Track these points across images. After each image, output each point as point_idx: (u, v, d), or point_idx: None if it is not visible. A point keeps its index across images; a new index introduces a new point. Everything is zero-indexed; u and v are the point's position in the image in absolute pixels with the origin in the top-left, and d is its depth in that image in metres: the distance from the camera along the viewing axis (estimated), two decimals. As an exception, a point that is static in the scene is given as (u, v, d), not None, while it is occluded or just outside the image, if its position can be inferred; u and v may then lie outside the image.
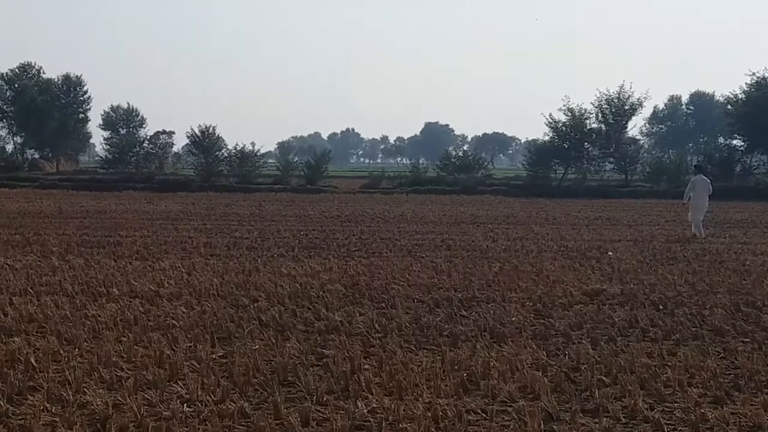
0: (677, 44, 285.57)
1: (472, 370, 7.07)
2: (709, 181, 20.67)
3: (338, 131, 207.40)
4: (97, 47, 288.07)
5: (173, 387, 6.54)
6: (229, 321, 9.02)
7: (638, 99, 47.59)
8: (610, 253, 15.93)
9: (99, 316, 9.16)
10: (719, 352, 8.01)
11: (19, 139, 64.74)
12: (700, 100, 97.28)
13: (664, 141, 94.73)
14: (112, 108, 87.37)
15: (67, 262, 13.66)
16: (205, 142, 48.60)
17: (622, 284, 11.99)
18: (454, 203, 33.38)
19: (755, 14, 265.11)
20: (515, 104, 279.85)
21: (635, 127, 64.87)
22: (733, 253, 16.29)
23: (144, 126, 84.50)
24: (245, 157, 47.94)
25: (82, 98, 68.25)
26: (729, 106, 48.99)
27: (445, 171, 48.95)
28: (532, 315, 9.73)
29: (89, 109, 69.67)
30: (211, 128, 49.19)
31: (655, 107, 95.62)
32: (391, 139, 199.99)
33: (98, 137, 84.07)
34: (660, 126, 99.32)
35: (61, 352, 7.57)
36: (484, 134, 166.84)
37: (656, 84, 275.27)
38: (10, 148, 62.65)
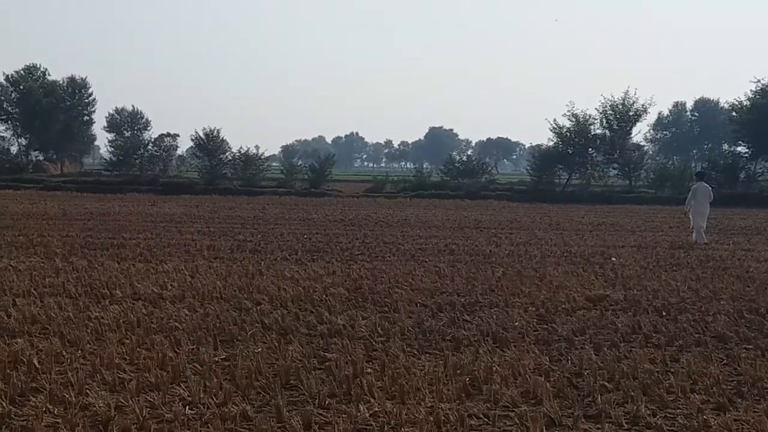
0: (682, 51, 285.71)
1: (474, 375, 7.06)
2: (710, 188, 20.65)
3: (342, 135, 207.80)
4: (102, 50, 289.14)
5: (175, 389, 6.54)
6: (232, 324, 9.02)
7: (643, 105, 47.72)
8: (614, 258, 15.92)
9: (102, 318, 9.16)
10: (722, 358, 8.00)
11: (23, 141, 64.91)
12: (704, 106, 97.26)
13: (668, 147, 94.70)
14: (116, 110, 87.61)
15: (70, 263, 13.68)
16: (209, 145, 48.67)
17: (626, 290, 11.97)
18: (458, 208, 33.37)
19: (760, 21, 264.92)
20: (519, 109, 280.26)
21: (639, 133, 65.07)
22: (736, 259, 16.26)
23: (148, 128, 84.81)
24: (249, 161, 47.96)
25: (86, 100, 68.52)
26: (733, 113, 48.99)
27: (449, 176, 48.98)
28: (535, 320, 9.71)
29: (94, 111, 70.06)
30: (215, 131, 49.35)
31: (659, 113, 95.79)
32: (395, 144, 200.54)
33: (103, 139, 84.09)
34: (664, 132, 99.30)
35: (64, 353, 7.58)
36: (488, 139, 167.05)
37: (661, 90, 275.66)
38: (14, 149, 62.82)
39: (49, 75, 65.82)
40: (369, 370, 7.23)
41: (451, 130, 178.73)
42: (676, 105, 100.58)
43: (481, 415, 6.14)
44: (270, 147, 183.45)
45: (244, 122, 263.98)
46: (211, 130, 49.15)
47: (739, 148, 48.61)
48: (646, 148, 65.18)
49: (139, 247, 16.19)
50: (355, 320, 9.36)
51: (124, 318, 9.21)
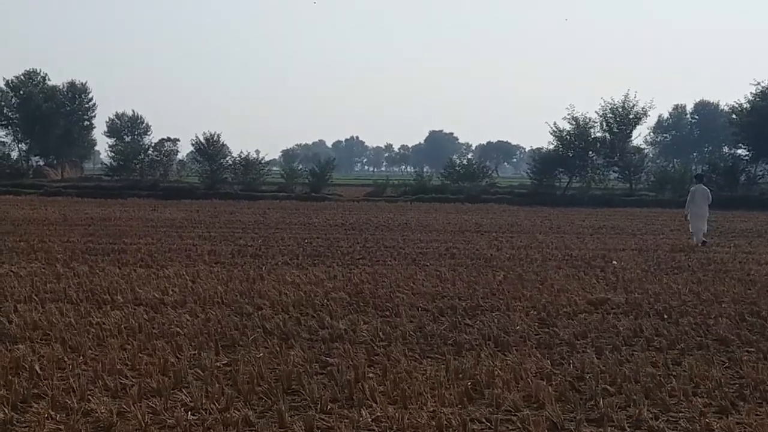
0: (682, 54, 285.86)
1: (476, 379, 7.06)
2: (708, 190, 20.68)
3: (343, 139, 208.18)
4: (102, 55, 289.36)
5: (177, 395, 6.54)
6: (234, 329, 9.02)
7: (643, 108, 47.72)
8: (615, 262, 15.91)
9: (103, 323, 9.16)
10: (724, 361, 7.99)
11: (24, 146, 64.92)
12: (704, 109, 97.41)
13: (668, 150, 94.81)
14: (117, 115, 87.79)
15: (71, 269, 13.68)
16: (209, 149, 48.70)
17: (627, 293, 11.97)
18: (459, 212, 33.38)
19: (760, 23, 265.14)
20: (520, 113, 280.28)
21: (640, 136, 65.35)
22: (737, 262, 16.26)
23: (149, 133, 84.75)
24: (250, 165, 48.00)
25: (87, 105, 68.61)
26: (734, 116, 48.98)
27: (450, 179, 48.99)
28: (537, 324, 9.71)
29: (94, 116, 70.14)
30: (215, 136, 49.39)
31: (659, 116, 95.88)
32: (396, 147, 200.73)
33: (103, 144, 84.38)
34: (664, 135, 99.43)
35: (66, 359, 7.58)
36: (489, 143, 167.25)
37: (661, 93, 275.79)
38: (15, 155, 62.74)
39: (49, 80, 65.99)
40: (371, 375, 7.22)
41: (452, 133, 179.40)
42: (676, 108, 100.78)
43: (483, 420, 6.14)
44: (270, 151, 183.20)
45: (245, 127, 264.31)
46: (211, 135, 49.24)
47: (739, 151, 48.60)
48: (646, 151, 65.23)
49: (140, 253, 16.20)
50: (356, 325, 9.36)
51: (126, 323, 9.21)
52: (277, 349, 8.09)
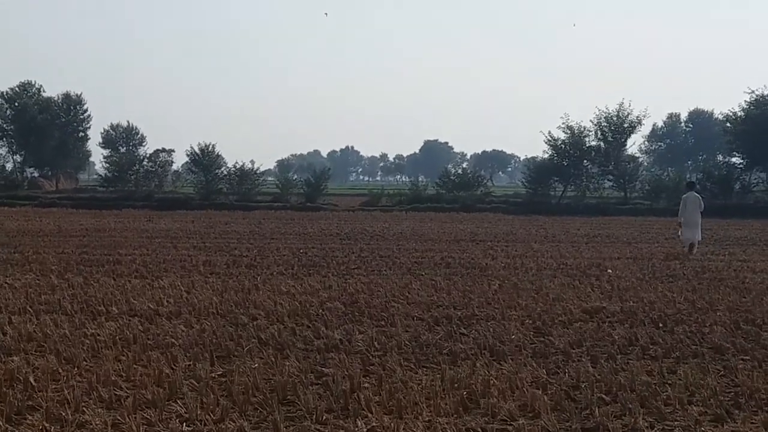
0: (676, 62, 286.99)
1: (471, 389, 7.06)
2: (700, 198, 20.73)
3: (337, 149, 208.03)
4: (97, 66, 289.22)
5: (172, 406, 6.53)
6: (229, 339, 9.00)
7: (637, 117, 47.86)
8: (610, 270, 15.94)
9: (98, 334, 9.15)
10: (719, 370, 8.00)
11: (18, 158, 64.82)
12: (699, 117, 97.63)
13: (663, 158, 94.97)
14: (111, 126, 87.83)
15: (66, 280, 13.66)
16: (204, 160, 48.69)
17: (622, 302, 11.98)
18: (454, 221, 33.41)
19: (754, 32, 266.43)
20: (515, 122, 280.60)
21: (634, 144, 65.50)
22: (732, 270, 16.29)
23: (144, 144, 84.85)
24: (244, 175, 47.99)
25: (81, 117, 68.52)
26: (728, 124, 49.16)
27: (445, 189, 49.00)
28: (532, 333, 9.71)
29: (89, 127, 70.00)
30: (210, 146, 49.34)
31: (654, 125, 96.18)
32: (391, 157, 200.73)
33: (98, 155, 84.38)
34: (659, 143, 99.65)
35: (60, 371, 7.56)
36: (484, 152, 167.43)
37: (655, 102, 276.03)
38: (9, 166, 62.70)
39: (43, 92, 65.92)
40: (366, 385, 7.22)
41: (446, 143, 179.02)
42: (670, 116, 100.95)
43: (479, 429, 6.14)
44: (265, 161, 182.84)
45: (239, 137, 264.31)
46: (206, 146, 49.21)
47: (733, 159, 48.76)
48: (641, 159, 65.33)
49: (134, 263, 16.18)
50: (351, 335, 9.35)
51: (121, 335, 9.19)
52: (273, 359, 8.08)
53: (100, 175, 57.76)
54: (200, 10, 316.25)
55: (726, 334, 9.65)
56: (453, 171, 55.55)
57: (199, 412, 6.31)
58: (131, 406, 6.43)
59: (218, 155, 49.80)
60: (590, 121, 48.46)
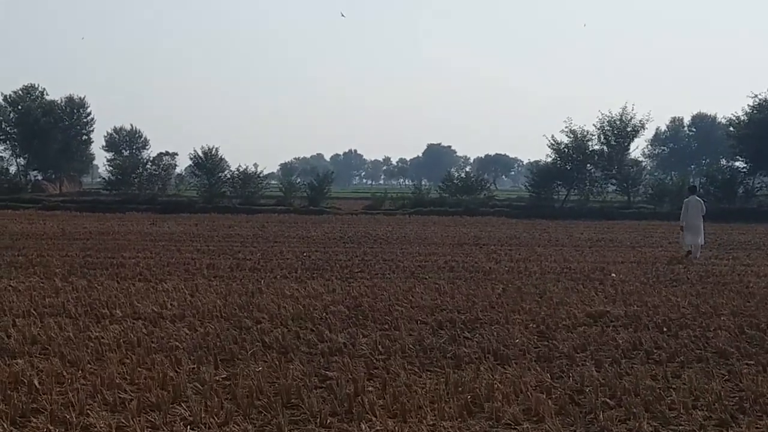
0: (679, 66, 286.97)
1: (475, 393, 7.05)
2: (702, 201, 20.76)
3: (341, 152, 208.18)
4: (101, 69, 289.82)
5: (176, 409, 6.53)
6: (232, 343, 9.01)
7: (640, 121, 47.74)
8: (614, 274, 15.92)
9: (102, 337, 9.15)
10: (724, 374, 7.99)
11: (22, 161, 64.92)
12: (702, 121, 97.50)
13: (666, 163, 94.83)
14: (115, 129, 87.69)
15: (70, 283, 13.67)
16: (207, 163, 48.71)
17: (626, 306, 11.97)
18: (457, 225, 33.39)
19: (758, 37, 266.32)
20: (518, 126, 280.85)
21: (637, 148, 65.15)
22: (736, 275, 16.26)
23: (147, 147, 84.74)
24: (248, 179, 47.98)
25: (85, 120, 68.63)
26: (731, 128, 49.08)
27: (448, 192, 48.97)
28: (536, 337, 9.71)
29: (92, 130, 70.12)
30: (213, 150, 49.36)
31: (657, 129, 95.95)
32: (394, 161, 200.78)
33: (101, 159, 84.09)
34: (662, 147, 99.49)
35: (65, 374, 7.57)
36: (487, 156, 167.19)
37: (658, 106, 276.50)
38: (13, 169, 62.80)
39: (47, 95, 66.00)
40: (370, 389, 7.21)
41: (450, 146, 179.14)
42: (673, 120, 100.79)
43: (483, 433, 6.13)
44: (268, 165, 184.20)
45: (243, 141, 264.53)
46: (209, 149, 49.24)
47: (737, 163, 48.66)
48: (644, 163, 65.27)
49: (138, 267, 16.19)
50: (355, 338, 9.35)
51: (125, 338, 9.20)
52: (276, 362, 8.08)
53: (104, 178, 57.77)
54: (204, 13, 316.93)
55: (730, 339, 9.63)
56: (456, 175, 55.53)
57: (203, 416, 6.31)
58: (135, 409, 6.43)
59: (221, 158, 49.86)
60: (593, 125, 48.41)
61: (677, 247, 22.13)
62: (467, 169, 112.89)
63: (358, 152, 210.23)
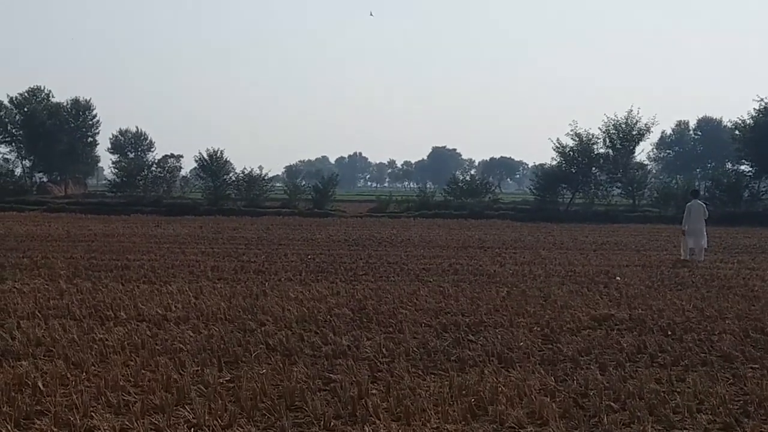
0: (685, 70, 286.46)
1: (479, 396, 7.04)
2: (704, 205, 20.75)
3: (346, 155, 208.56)
4: (106, 71, 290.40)
5: (180, 411, 6.53)
6: (237, 345, 9.01)
7: (646, 124, 47.87)
8: (618, 278, 15.89)
9: (106, 339, 9.16)
10: (728, 378, 7.96)
11: (27, 163, 65.19)
12: (707, 125, 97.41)
13: (671, 166, 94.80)
14: (120, 132, 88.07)
15: (74, 285, 13.69)
16: (212, 165, 48.85)
17: (630, 309, 11.94)
18: (462, 227, 33.37)
19: (764, 40, 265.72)
20: (523, 129, 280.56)
21: (643, 152, 65.24)
22: (741, 278, 16.22)
23: (152, 150, 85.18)
24: (253, 181, 48.09)
25: (90, 122, 68.87)
26: (737, 132, 49.04)
27: (453, 195, 49.03)
28: (540, 340, 9.69)
29: (98, 132, 70.36)
30: (219, 152, 49.55)
31: (662, 132, 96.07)
32: (399, 164, 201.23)
33: (107, 161, 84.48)
34: (667, 151, 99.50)
35: (69, 376, 7.58)
36: (492, 159, 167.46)
37: (664, 109, 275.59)
38: (18, 171, 63.13)
39: (53, 97, 66.38)
40: (374, 391, 7.21)
41: (455, 149, 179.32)
42: (679, 124, 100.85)
43: (487, 437, 6.12)
44: (273, 167, 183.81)
45: (248, 143, 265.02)
46: (214, 151, 49.41)
47: (742, 167, 48.70)
48: (649, 167, 65.36)
49: (143, 269, 16.21)
50: (359, 341, 9.35)
51: (129, 340, 9.21)
52: (280, 365, 8.08)
53: (109, 181, 57.97)
54: (209, 16, 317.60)
55: (735, 343, 9.60)
56: (461, 178, 55.67)
57: (207, 418, 6.31)
58: (139, 412, 6.44)
59: (226, 161, 50.04)
60: (599, 128, 48.57)
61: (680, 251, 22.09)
62: (472, 172, 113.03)
63: (363, 155, 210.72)
